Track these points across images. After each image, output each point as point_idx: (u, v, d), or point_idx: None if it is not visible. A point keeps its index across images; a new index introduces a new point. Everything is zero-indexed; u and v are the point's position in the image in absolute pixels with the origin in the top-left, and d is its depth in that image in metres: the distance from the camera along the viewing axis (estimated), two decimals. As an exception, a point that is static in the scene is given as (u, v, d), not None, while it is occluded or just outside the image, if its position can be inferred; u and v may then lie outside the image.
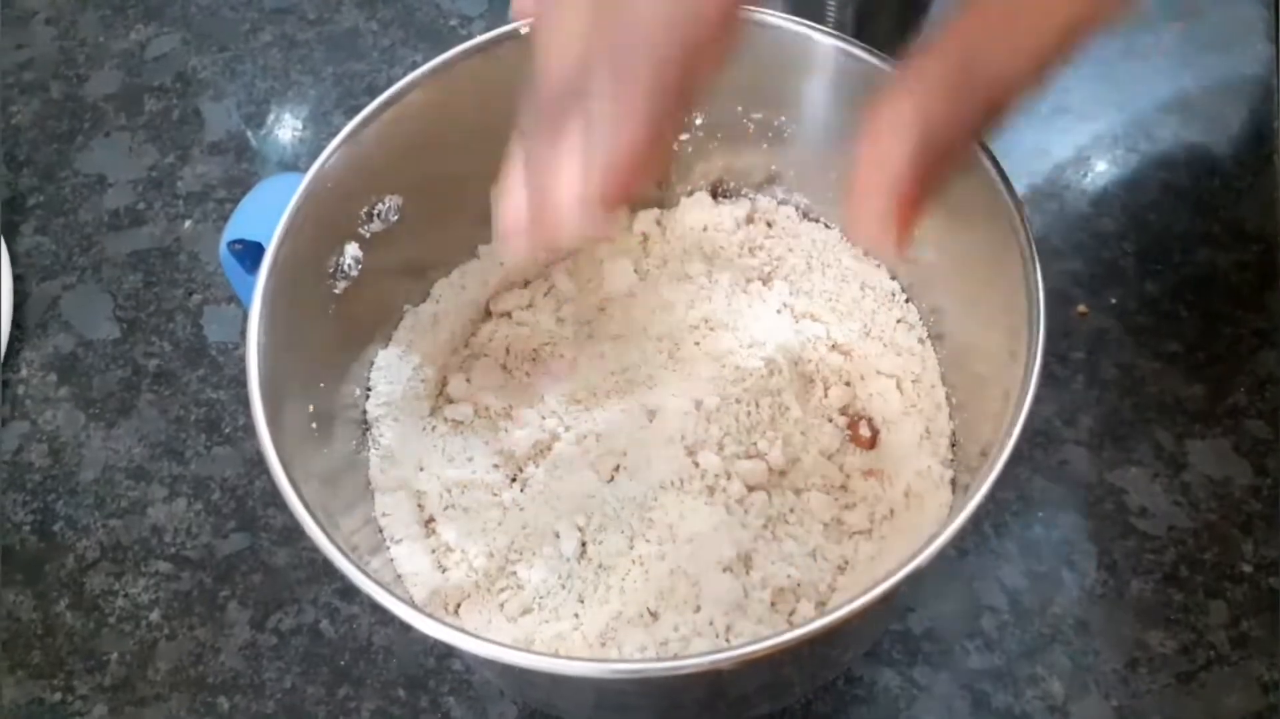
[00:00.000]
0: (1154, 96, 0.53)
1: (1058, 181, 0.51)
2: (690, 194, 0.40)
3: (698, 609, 0.32)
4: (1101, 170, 0.51)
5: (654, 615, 0.32)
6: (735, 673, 0.28)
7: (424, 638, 0.41)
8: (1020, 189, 0.50)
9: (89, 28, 0.59)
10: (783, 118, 0.36)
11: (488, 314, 0.39)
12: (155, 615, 0.43)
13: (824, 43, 0.32)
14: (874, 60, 0.32)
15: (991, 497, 0.42)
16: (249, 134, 0.55)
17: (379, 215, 0.34)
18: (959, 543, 0.42)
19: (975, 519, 0.42)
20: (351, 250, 0.33)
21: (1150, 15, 0.55)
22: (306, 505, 0.27)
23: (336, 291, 0.33)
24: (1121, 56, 0.54)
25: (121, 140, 0.55)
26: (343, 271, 0.33)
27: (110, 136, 0.56)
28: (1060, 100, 0.53)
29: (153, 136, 0.55)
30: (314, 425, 0.31)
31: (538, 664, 0.25)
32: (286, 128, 0.56)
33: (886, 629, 0.39)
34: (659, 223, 0.40)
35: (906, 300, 0.37)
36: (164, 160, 0.55)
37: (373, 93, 0.34)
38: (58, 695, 0.42)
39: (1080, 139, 0.52)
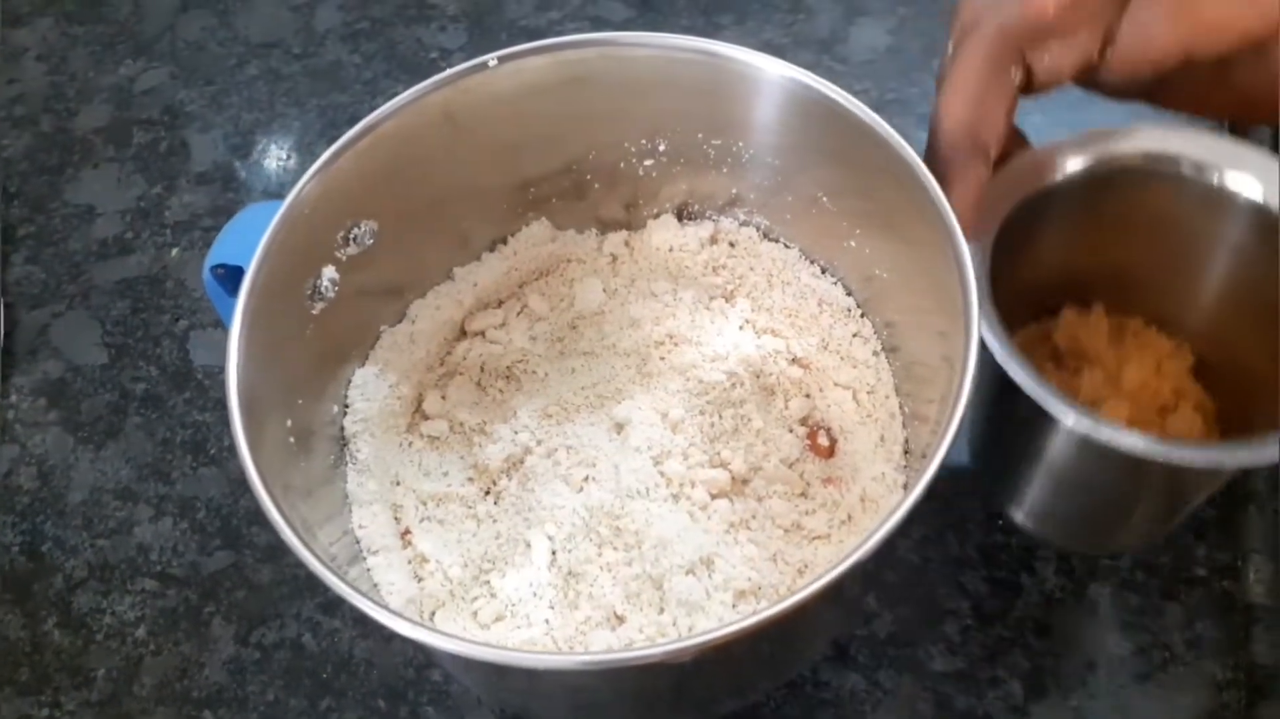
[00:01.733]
0: (1110, 117, 0.55)
1: (1016, 202, 0.53)
2: (657, 216, 0.42)
3: (661, 611, 0.33)
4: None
5: (620, 619, 0.33)
6: (697, 667, 0.29)
7: (404, 650, 0.43)
8: (979, 209, 0.52)
9: (79, 63, 0.61)
10: (740, 143, 0.38)
11: (463, 333, 0.41)
12: (141, 632, 0.44)
13: (772, 72, 0.34)
14: (819, 88, 0.34)
15: (958, 507, 0.44)
16: (235, 164, 0.57)
17: (355, 239, 0.35)
18: (921, 549, 0.43)
19: (938, 527, 0.44)
20: (328, 273, 0.35)
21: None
22: (285, 516, 0.28)
23: (314, 313, 0.35)
24: (1077, 81, 0.56)
25: (110, 172, 0.57)
26: (320, 293, 0.35)
27: (99, 168, 0.57)
28: (1019, 123, 0.55)
29: (141, 168, 0.57)
30: (292, 440, 0.33)
31: (505, 659, 0.26)
32: (272, 158, 0.57)
33: (849, 629, 0.40)
34: (627, 244, 0.42)
35: (862, 315, 0.39)
36: (152, 191, 0.56)
37: (355, 123, 0.35)
38: (45, 712, 0.43)
39: (1038, 161, 0.54)
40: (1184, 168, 0.34)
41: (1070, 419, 0.29)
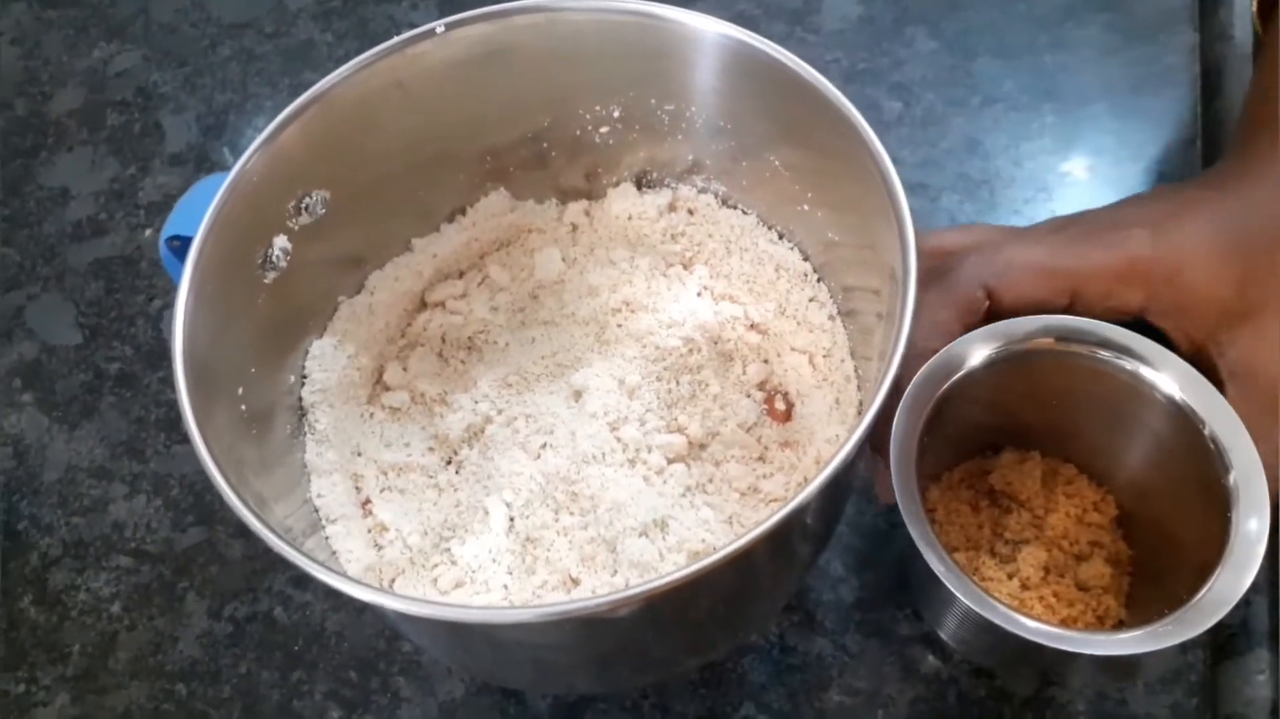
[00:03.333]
0: (1082, 85, 0.55)
1: (988, 169, 0.52)
2: (616, 185, 0.42)
3: (615, 573, 0.33)
4: (1030, 158, 0.53)
5: (575, 582, 0.34)
6: (650, 623, 0.30)
7: (375, 622, 0.43)
8: (950, 177, 0.52)
9: (53, 47, 0.61)
10: (692, 108, 0.38)
11: (423, 304, 0.41)
12: (116, 608, 0.45)
13: (709, 31, 0.34)
14: (755, 44, 0.34)
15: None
16: (208, 145, 0.57)
17: (307, 209, 0.35)
18: (889, 515, 0.43)
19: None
20: (280, 243, 0.35)
21: (1077, 6, 0.57)
22: (230, 483, 0.28)
23: (266, 282, 0.35)
24: (1049, 48, 0.56)
25: (84, 154, 0.57)
26: (272, 263, 0.35)
27: (73, 151, 0.57)
28: (991, 91, 0.55)
29: (114, 150, 0.57)
30: (244, 408, 0.33)
31: (446, 615, 0.27)
32: (245, 138, 0.58)
33: (799, 585, 0.40)
34: (587, 213, 0.42)
35: (818, 280, 0.39)
36: (125, 172, 0.56)
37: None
38: (21, 687, 0.43)
39: (1010, 128, 0.54)
40: (1102, 354, 0.37)
41: (965, 599, 0.33)
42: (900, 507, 0.35)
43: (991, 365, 0.37)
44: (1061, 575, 0.39)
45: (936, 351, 0.36)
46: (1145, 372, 0.36)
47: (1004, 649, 0.38)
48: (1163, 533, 0.38)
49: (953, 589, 0.33)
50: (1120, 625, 0.38)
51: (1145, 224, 0.37)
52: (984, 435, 0.42)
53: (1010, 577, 0.39)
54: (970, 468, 0.42)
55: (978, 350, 0.37)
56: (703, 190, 0.41)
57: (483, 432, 0.38)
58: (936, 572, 0.34)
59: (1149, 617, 0.34)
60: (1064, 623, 0.38)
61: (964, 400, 0.38)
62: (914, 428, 0.36)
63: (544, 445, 0.37)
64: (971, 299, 0.37)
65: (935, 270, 0.38)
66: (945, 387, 0.37)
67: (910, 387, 0.36)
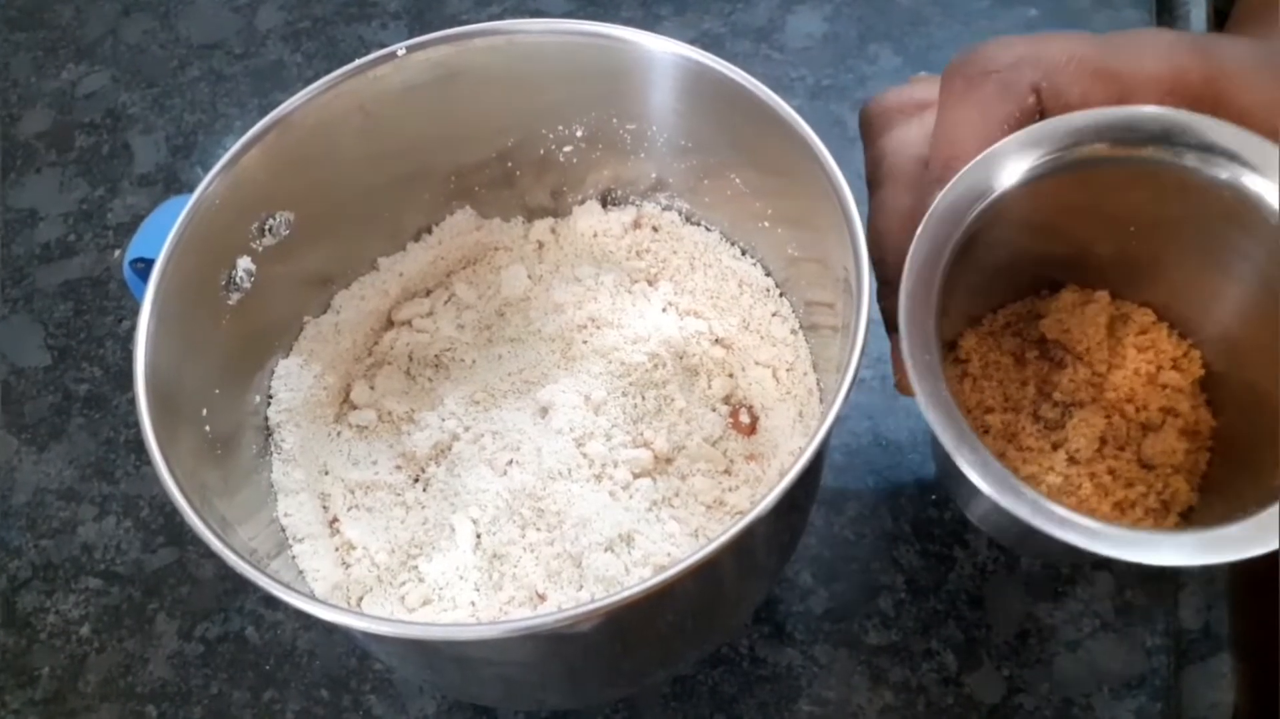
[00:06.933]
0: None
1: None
2: (582, 202, 0.42)
3: (580, 588, 0.34)
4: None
5: (542, 597, 0.34)
6: (616, 636, 0.30)
7: (346, 640, 0.43)
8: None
9: (21, 68, 0.61)
10: (653, 127, 0.38)
11: (390, 323, 0.41)
12: (85, 630, 0.44)
13: (662, 51, 0.35)
14: (714, 65, 0.34)
15: (892, 483, 0.45)
16: (177, 166, 0.57)
17: (270, 230, 0.36)
18: (856, 525, 0.44)
19: (873, 503, 0.44)
20: (244, 264, 0.35)
21: (1038, 22, 0.58)
22: (190, 501, 0.28)
23: (230, 303, 0.35)
24: (1011, 62, 0.57)
25: (53, 176, 0.57)
26: (235, 284, 0.35)
27: (42, 172, 0.57)
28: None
29: (83, 171, 0.57)
30: (208, 429, 0.33)
31: (410, 633, 0.27)
32: (214, 158, 0.57)
33: (766, 594, 0.41)
34: (553, 230, 0.42)
35: (781, 295, 0.40)
36: (94, 193, 0.56)
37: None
38: (-11, 711, 0.43)
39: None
40: (1213, 169, 0.28)
41: (987, 490, 0.27)
42: (911, 375, 0.27)
43: (1041, 180, 0.28)
44: (1121, 449, 0.32)
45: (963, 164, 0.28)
46: (1254, 184, 0.27)
47: (1040, 539, 0.28)
48: (1260, 404, 0.30)
49: (969, 474, 0.26)
50: (1189, 514, 0.31)
51: (1189, 39, 0.30)
52: (1038, 268, 0.33)
53: (1056, 447, 0.32)
54: (1019, 310, 0.34)
55: (1020, 160, 0.28)
56: (666, 208, 0.42)
57: (449, 449, 0.38)
58: (950, 451, 0.26)
59: (1227, 508, 0.27)
60: (1118, 507, 0.31)
61: (1006, 227, 0.29)
62: (932, 275, 0.27)
63: (510, 462, 0.37)
64: (1021, 102, 0.29)
65: (963, 69, 0.31)
66: (977, 212, 0.28)
67: (928, 217, 0.28)
